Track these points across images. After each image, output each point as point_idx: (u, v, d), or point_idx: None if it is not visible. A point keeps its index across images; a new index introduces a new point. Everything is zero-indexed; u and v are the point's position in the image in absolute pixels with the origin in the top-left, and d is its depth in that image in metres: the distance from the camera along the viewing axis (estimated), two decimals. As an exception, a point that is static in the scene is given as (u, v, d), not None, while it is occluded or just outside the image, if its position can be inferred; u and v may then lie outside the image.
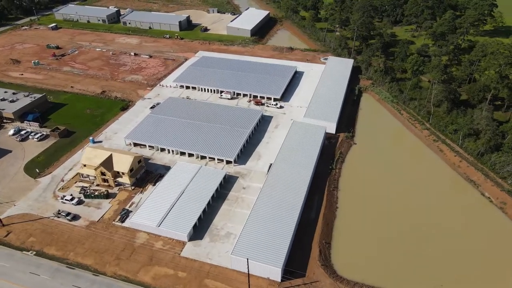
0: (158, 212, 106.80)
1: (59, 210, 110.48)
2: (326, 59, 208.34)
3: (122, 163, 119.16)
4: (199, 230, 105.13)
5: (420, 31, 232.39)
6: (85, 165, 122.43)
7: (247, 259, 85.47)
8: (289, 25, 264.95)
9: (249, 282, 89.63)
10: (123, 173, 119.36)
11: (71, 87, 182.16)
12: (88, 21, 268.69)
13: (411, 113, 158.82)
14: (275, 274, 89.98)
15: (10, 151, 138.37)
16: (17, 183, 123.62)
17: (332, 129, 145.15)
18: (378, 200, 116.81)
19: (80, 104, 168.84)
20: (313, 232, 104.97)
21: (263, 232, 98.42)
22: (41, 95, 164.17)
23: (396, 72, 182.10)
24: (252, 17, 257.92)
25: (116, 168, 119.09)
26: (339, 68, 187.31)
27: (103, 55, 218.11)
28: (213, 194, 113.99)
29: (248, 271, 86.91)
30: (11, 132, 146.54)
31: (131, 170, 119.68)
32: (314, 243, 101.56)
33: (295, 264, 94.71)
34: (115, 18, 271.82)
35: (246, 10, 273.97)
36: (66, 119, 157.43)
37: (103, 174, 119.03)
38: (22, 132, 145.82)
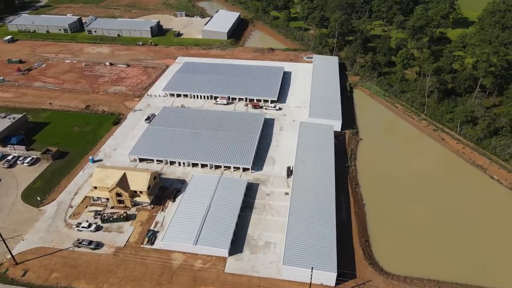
0: (190, 229, 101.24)
1: (78, 239, 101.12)
2: (309, 57, 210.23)
3: (139, 181, 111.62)
4: (236, 243, 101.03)
5: (389, 26, 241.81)
6: (95, 187, 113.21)
7: (312, 268, 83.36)
8: (261, 25, 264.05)
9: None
10: (140, 192, 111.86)
11: (50, 103, 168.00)
12: (48, 31, 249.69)
13: (405, 105, 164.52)
14: (330, 279, 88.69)
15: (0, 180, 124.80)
16: (19, 215, 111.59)
17: (337, 127, 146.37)
18: (398, 192, 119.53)
19: (65, 121, 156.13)
20: (350, 231, 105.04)
21: (306, 237, 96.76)
22: (20, 115, 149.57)
23: (382, 66, 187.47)
24: (225, 19, 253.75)
25: (133, 187, 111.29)
26: (327, 66, 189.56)
27: (75, 67, 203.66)
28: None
29: (311, 280, 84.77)
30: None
31: (148, 187, 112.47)
32: (355, 243, 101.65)
33: (342, 266, 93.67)
34: (78, 26, 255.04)
35: (216, 12, 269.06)
36: (53, 139, 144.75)
37: (118, 195, 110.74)
38: (9, 158, 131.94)
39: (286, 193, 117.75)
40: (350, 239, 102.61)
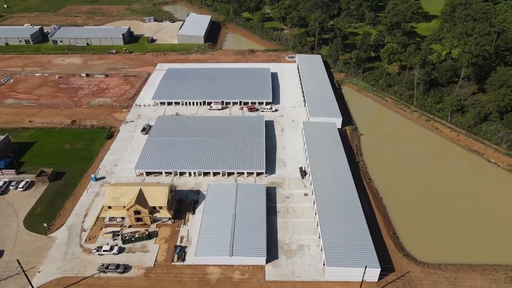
0: (221, 241, 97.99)
1: (103, 264, 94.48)
2: (291, 57, 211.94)
3: (157, 197, 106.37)
4: (270, 249, 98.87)
5: (360, 23, 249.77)
6: (110, 207, 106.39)
7: (365, 266, 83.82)
8: (234, 27, 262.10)
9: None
10: (160, 207, 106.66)
11: (30, 121, 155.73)
12: (7, 43, 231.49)
13: (394, 98, 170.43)
14: (373, 275, 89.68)
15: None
16: (26, 245, 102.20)
17: (339, 124, 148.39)
18: (409, 183, 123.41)
19: (52, 139, 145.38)
20: (377, 226, 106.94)
21: (341, 236, 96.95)
22: (3, 136, 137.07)
23: (365, 62, 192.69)
24: (198, 23, 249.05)
25: (151, 203, 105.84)
26: (312, 65, 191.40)
27: (47, 80, 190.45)
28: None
29: (363, 278, 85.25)
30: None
31: (167, 202, 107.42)
32: (384, 236, 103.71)
33: (379, 260, 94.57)
34: (40, 37, 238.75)
35: (187, 16, 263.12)
36: (44, 159, 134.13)
37: (137, 212, 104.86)
38: (0, 184, 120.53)
39: (305, 194, 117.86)
40: (379, 233, 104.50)
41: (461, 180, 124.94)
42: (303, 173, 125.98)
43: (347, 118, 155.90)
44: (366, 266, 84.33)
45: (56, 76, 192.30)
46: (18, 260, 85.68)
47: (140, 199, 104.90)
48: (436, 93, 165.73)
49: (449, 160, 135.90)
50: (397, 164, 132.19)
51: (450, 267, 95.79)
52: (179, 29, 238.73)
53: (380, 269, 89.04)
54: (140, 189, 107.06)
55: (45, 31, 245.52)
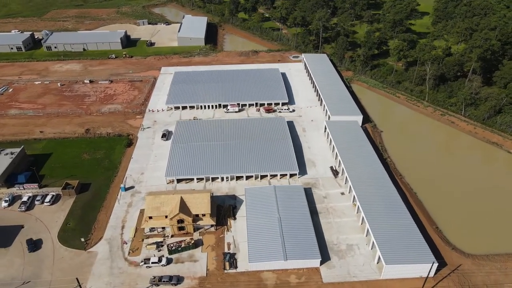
0: (273, 245, 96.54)
1: (155, 277, 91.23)
2: (295, 57, 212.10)
3: (200, 204, 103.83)
4: (320, 251, 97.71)
5: (355, 21, 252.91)
6: (150, 217, 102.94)
7: (433, 262, 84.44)
8: (231, 28, 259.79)
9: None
10: (203, 215, 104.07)
11: (41, 132, 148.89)
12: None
13: (405, 94, 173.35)
14: (431, 270, 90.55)
15: (22, 226, 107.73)
16: (66, 262, 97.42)
17: (359, 121, 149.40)
18: (440, 176, 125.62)
19: (69, 149, 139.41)
20: (419, 221, 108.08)
21: (391, 233, 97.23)
22: (19, 148, 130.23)
23: (372, 60, 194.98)
24: (196, 24, 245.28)
25: (194, 211, 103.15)
26: (321, 64, 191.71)
27: (49, 88, 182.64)
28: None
29: (428, 275, 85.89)
30: (4, 203, 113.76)
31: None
32: (429, 231, 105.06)
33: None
34: (31, 43, 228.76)
35: (183, 18, 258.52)
36: (65, 171, 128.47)
37: (180, 221, 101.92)
38: (24, 199, 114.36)
39: (342, 193, 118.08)
40: (423, 228, 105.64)
41: (486, 171, 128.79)
42: (335, 172, 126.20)
43: (364, 116, 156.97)
44: (433, 262, 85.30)
45: (58, 83, 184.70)
46: (77, 279, 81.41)
47: (183, 207, 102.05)
48: (446, 87, 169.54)
49: (471, 152, 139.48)
50: (423, 158, 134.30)
51: (498, 257, 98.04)
52: (178, 31, 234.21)
53: (437, 264, 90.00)
54: (181, 197, 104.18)
55: (36, 37, 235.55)
